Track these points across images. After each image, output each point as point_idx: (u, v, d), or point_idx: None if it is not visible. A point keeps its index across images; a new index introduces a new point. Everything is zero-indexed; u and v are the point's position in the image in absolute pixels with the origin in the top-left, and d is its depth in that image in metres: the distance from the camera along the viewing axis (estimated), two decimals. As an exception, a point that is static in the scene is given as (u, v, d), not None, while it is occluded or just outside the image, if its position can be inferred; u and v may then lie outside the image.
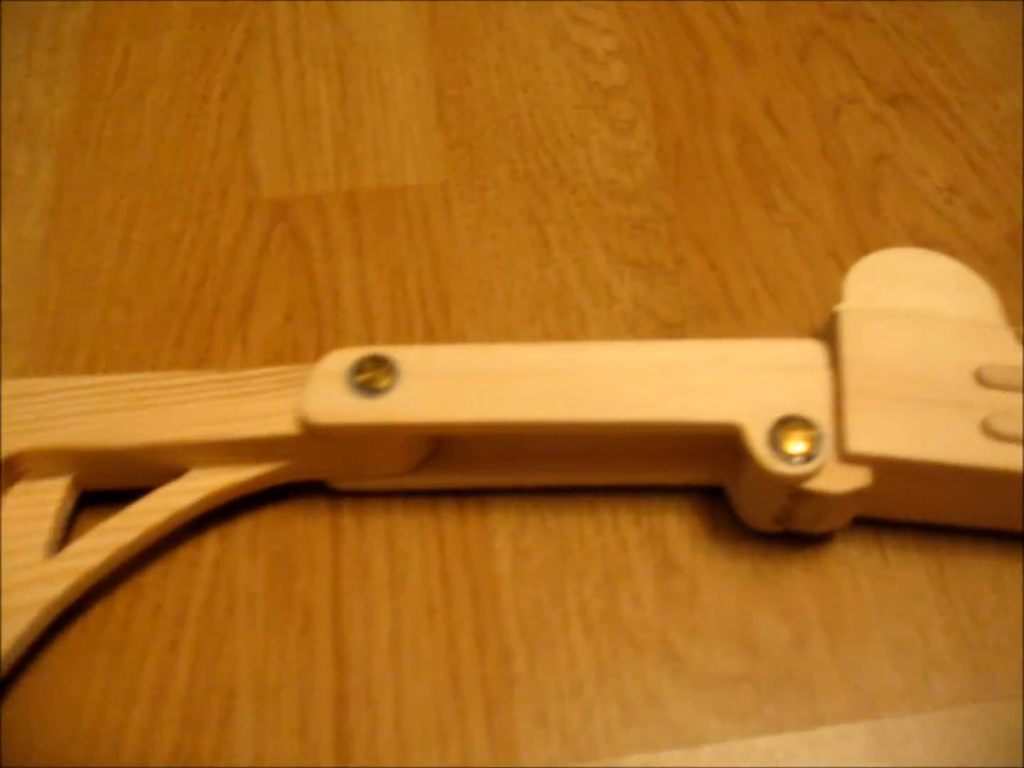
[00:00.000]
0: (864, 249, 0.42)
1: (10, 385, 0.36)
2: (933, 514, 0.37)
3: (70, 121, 0.48)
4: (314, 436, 0.35)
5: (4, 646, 0.32)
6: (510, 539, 0.36)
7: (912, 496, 0.36)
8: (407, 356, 0.35)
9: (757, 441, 0.34)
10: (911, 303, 0.37)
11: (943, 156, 0.46)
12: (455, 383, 0.35)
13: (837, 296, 0.40)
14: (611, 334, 0.41)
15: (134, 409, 0.36)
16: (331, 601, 0.35)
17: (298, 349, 0.40)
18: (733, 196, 0.44)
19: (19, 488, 0.36)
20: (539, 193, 0.45)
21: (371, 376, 0.35)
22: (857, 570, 0.36)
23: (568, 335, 0.41)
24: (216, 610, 0.35)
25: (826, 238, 0.43)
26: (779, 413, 0.34)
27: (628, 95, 0.48)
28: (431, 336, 0.41)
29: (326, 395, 0.35)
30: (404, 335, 0.41)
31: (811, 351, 0.36)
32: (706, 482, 0.37)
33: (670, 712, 0.33)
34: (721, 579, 0.36)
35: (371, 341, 0.41)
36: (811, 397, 0.35)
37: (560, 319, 0.41)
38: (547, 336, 0.41)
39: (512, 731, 0.33)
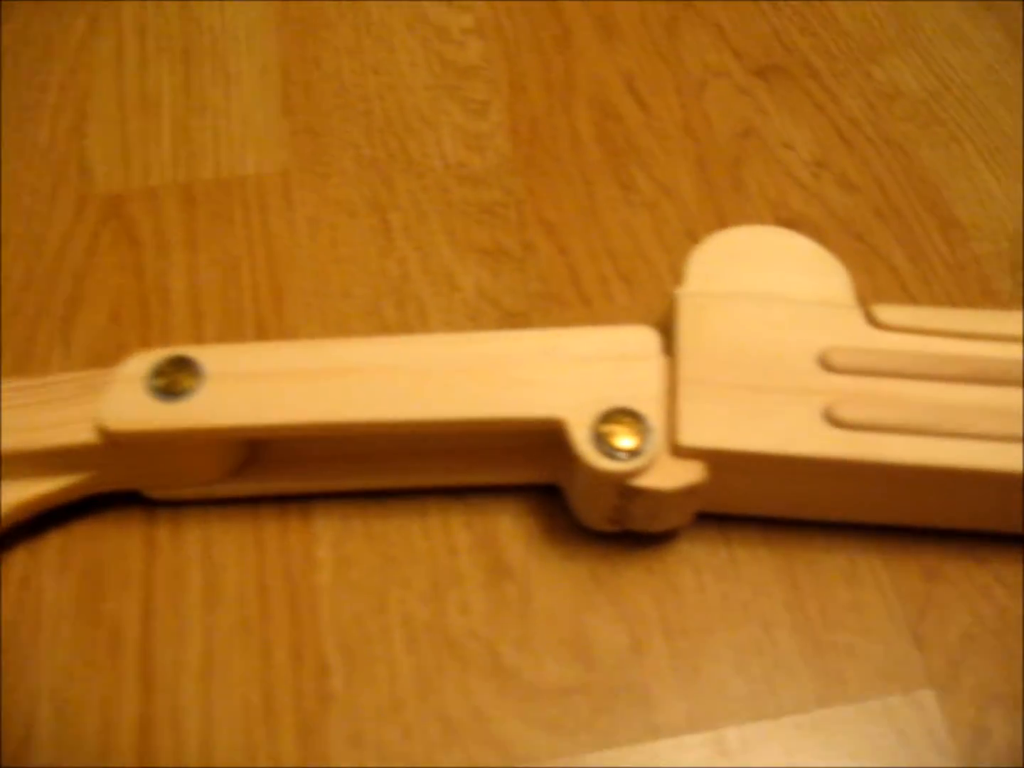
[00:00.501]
0: (725, 228, 0.40)
1: None
2: (781, 508, 0.34)
3: None
4: (114, 444, 0.32)
5: None
6: (333, 547, 0.34)
7: (757, 490, 0.34)
8: (211, 356, 0.33)
9: (580, 437, 0.32)
10: (757, 284, 0.35)
11: (812, 129, 0.43)
12: (263, 384, 0.33)
13: (692, 279, 0.38)
14: (451, 325, 0.38)
15: (-76, 422, 0.33)
16: (141, 619, 0.33)
17: (122, 352, 0.37)
18: (589, 177, 0.42)
19: None
20: (384, 179, 0.42)
21: (172, 379, 0.33)
22: (702, 569, 0.34)
23: (406, 327, 0.39)
24: (20, 631, 0.33)
25: (685, 218, 0.41)
26: (604, 406, 0.32)
27: (484, 75, 0.46)
28: (262, 333, 0.38)
29: (124, 400, 0.32)
30: (234, 333, 0.39)
31: (645, 338, 0.34)
32: (542, 481, 0.35)
33: (495, 729, 0.31)
34: (556, 584, 0.34)
35: (198, 340, 0.38)
36: (642, 388, 0.33)
37: (398, 311, 0.39)
38: (384, 330, 0.38)
39: (325, 753, 0.31)
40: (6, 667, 0.32)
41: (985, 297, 0.39)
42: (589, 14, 0.47)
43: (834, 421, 0.32)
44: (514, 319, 0.39)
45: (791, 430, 0.32)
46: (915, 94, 0.45)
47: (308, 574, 0.34)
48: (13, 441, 0.33)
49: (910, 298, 0.39)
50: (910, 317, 0.34)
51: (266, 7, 0.48)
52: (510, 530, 0.35)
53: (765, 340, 0.33)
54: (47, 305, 0.39)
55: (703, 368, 0.33)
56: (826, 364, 0.33)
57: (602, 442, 0.31)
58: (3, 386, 0.34)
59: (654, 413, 0.32)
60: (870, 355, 0.33)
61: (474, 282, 0.40)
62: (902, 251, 0.40)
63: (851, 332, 0.34)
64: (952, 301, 0.39)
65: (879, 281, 0.39)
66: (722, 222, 0.41)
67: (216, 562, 0.34)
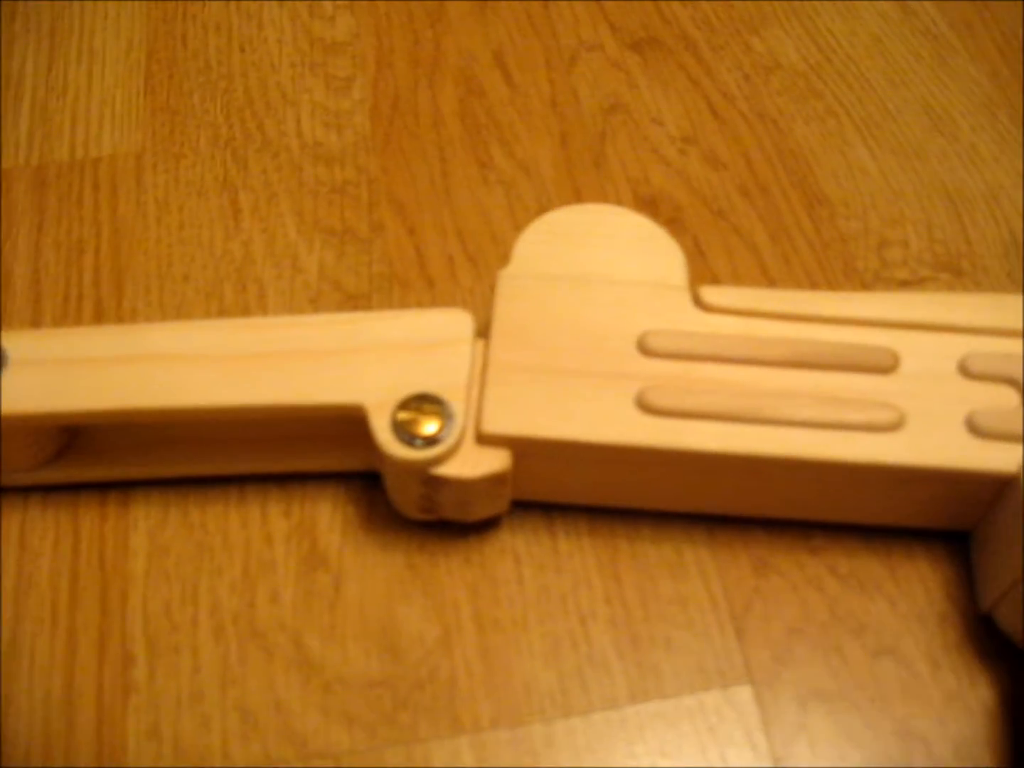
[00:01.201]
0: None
1: None
2: (601, 497, 0.33)
3: None
4: (-87, 432, 0.32)
5: None
6: (148, 535, 0.34)
7: (571, 478, 0.33)
8: (17, 343, 0.32)
9: (380, 424, 0.31)
10: (584, 266, 0.34)
11: (683, 104, 0.42)
12: (70, 370, 0.32)
13: (542, 259, 0.37)
14: (291, 308, 0.38)
15: None
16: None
17: (-45, 337, 0.37)
18: (446, 155, 0.41)
19: None
20: (238, 159, 0.41)
21: (-27, 367, 0.32)
22: (522, 560, 0.33)
23: (245, 310, 0.38)
24: None
25: (540, 196, 0.40)
26: (406, 392, 0.31)
27: (351, 51, 0.45)
28: (99, 317, 0.38)
29: (-79, 387, 0.32)
30: (72, 317, 0.38)
31: (457, 322, 0.32)
32: (362, 469, 0.34)
33: (295, 722, 0.30)
34: (369, 574, 0.33)
35: (35, 324, 0.38)
36: (449, 374, 0.31)
37: (238, 294, 0.38)
38: (222, 312, 0.38)
39: (123, 744, 0.30)
40: None
41: (847, 276, 0.38)
42: (464, -15, 0.46)
43: (644, 407, 0.31)
44: (355, 301, 0.38)
45: (599, 416, 0.31)
46: (794, 66, 0.43)
47: (122, 562, 0.33)
48: None
49: (768, 279, 0.37)
50: (737, 298, 0.32)
51: (135, -19, 0.48)
52: (328, 519, 0.34)
53: (584, 323, 0.32)
54: None
55: (515, 352, 0.32)
56: (644, 348, 0.32)
57: (402, 430, 0.30)
58: None
59: (458, 399, 0.31)
60: (688, 338, 0.32)
61: (317, 263, 0.39)
62: (764, 229, 0.39)
63: (674, 314, 0.32)
64: (812, 281, 0.37)
65: (737, 261, 0.38)
66: (579, 199, 0.39)
67: (31, 549, 0.33)
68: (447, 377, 0.31)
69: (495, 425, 0.31)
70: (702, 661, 0.31)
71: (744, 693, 0.31)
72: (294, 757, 0.30)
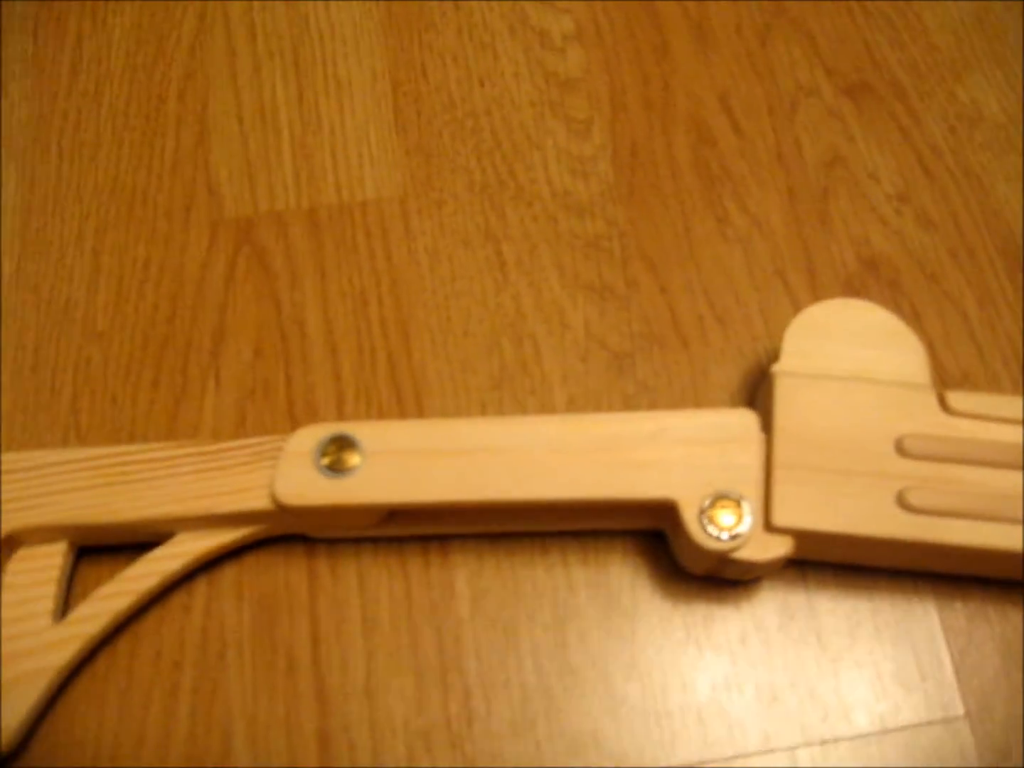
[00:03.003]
0: (810, 267, 0.44)
1: (9, 459, 0.39)
2: (854, 559, 0.40)
3: (29, 126, 0.48)
4: (287, 512, 0.38)
5: (25, 710, 0.37)
6: (468, 582, 0.40)
7: (836, 551, 0.39)
8: (369, 434, 0.38)
9: (690, 517, 0.37)
10: (844, 363, 0.39)
11: (896, 157, 0.46)
12: (414, 462, 0.38)
13: (781, 322, 0.42)
14: (564, 364, 0.43)
15: (122, 483, 0.39)
16: (311, 646, 0.39)
17: (268, 388, 0.43)
18: (686, 208, 0.45)
19: (20, 554, 0.39)
20: (495, 207, 0.46)
21: (336, 457, 0.38)
22: (782, 610, 0.40)
23: (523, 366, 0.43)
24: (209, 655, 0.39)
25: (774, 255, 0.44)
26: (712, 489, 0.37)
27: (585, 88, 0.48)
28: (393, 370, 0.43)
29: (295, 477, 0.38)
30: (368, 370, 0.43)
31: (745, 421, 0.38)
32: (648, 528, 0.41)
33: (611, 746, 0.39)
34: (659, 618, 0.40)
35: (337, 377, 0.43)
36: (742, 471, 0.38)
37: (515, 349, 0.43)
38: (503, 368, 0.43)
39: (473, 761, 0.38)
40: (201, 687, 0.39)
41: (1044, 343, 0.43)
42: (686, 18, 0.49)
43: (905, 505, 0.37)
44: (620, 360, 0.43)
45: (868, 513, 0.37)
46: (995, 117, 0.47)
47: (449, 606, 0.40)
48: (197, 507, 0.38)
49: (976, 345, 0.43)
50: (976, 404, 0.38)
51: (370, 6, 0.49)
52: (619, 568, 0.40)
53: (849, 424, 0.38)
54: (195, 337, 0.44)
55: (795, 453, 0.38)
56: (901, 450, 0.38)
57: (707, 521, 0.37)
58: (181, 451, 0.39)
59: (753, 495, 0.37)
60: (940, 443, 0.38)
61: (583, 320, 0.44)
62: (972, 294, 0.44)
63: (925, 418, 0.38)
64: (1014, 347, 0.43)
65: (948, 325, 0.43)
66: (809, 260, 0.44)
67: (370, 594, 0.40)
68: (740, 473, 0.38)
69: (783, 520, 0.37)
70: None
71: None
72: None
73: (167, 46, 0.49)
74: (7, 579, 0.39)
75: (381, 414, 0.42)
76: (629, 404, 0.42)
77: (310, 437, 0.38)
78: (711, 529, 0.37)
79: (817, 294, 0.44)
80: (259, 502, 0.38)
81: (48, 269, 0.45)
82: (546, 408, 0.42)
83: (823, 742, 0.38)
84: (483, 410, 0.42)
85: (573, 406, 0.42)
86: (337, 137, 0.47)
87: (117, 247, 0.45)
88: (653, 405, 0.42)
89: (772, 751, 0.38)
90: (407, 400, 0.43)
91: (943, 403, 0.39)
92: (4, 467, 0.39)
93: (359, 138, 0.47)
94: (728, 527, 0.37)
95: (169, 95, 0.48)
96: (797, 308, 0.43)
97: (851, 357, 0.39)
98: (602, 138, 0.47)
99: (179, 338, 0.44)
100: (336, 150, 0.47)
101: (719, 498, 0.37)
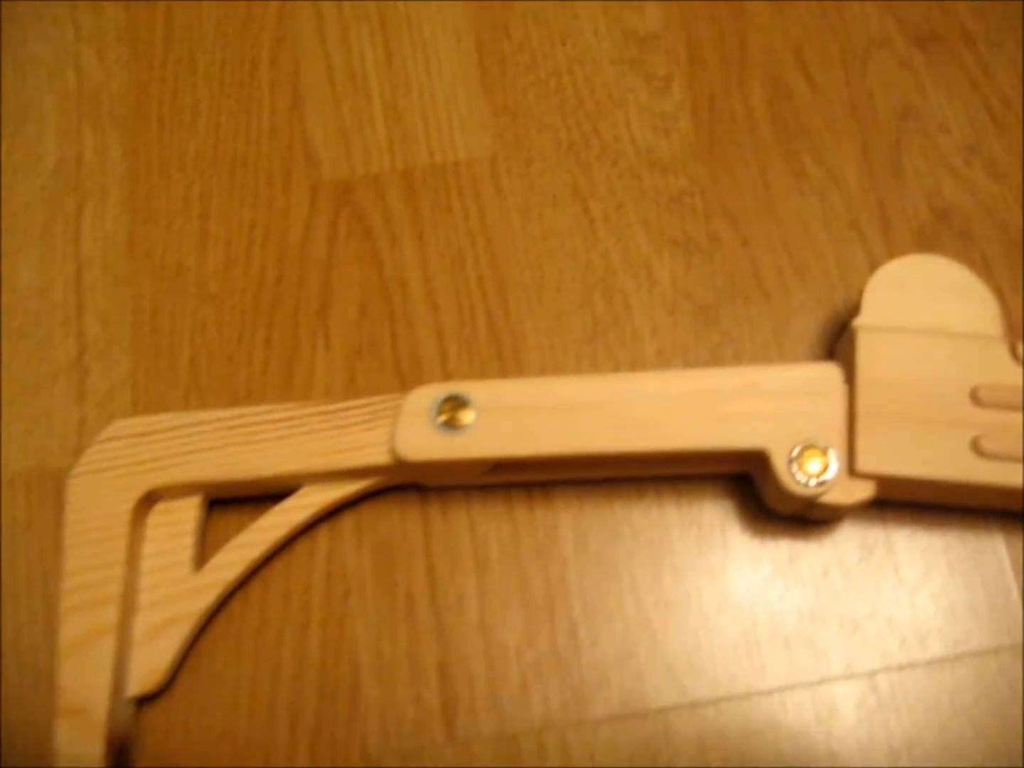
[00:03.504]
0: (884, 219, 0.46)
1: (146, 421, 0.42)
2: (930, 499, 0.43)
3: (129, 95, 0.49)
4: (406, 466, 0.41)
5: (173, 651, 0.41)
6: (571, 524, 0.44)
7: (912, 492, 0.42)
8: (481, 393, 0.41)
9: (780, 465, 0.40)
10: (919, 316, 0.41)
11: (966, 108, 0.48)
12: (523, 419, 0.41)
13: (857, 273, 0.45)
14: (652, 318, 0.45)
15: (252, 442, 0.42)
16: (428, 586, 0.43)
17: (375, 346, 0.45)
18: (764, 162, 0.47)
19: (158, 509, 0.42)
20: (582, 165, 0.48)
21: (451, 415, 0.41)
22: (862, 546, 0.43)
23: (615, 319, 0.45)
24: (334, 596, 0.43)
25: (849, 207, 0.46)
26: (800, 439, 0.40)
27: (663, 45, 0.49)
28: (492, 326, 0.46)
29: (414, 434, 0.41)
30: (468, 327, 0.46)
31: (829, 374, 0.41)
32: (736, 472, 0.44)
33: (709, 668, 0.42)
34: (747, 554, 0.43)
35: (439, 334, 0.46)
36: (828, 422, 0.40)
37: (607, 304, 0.46)
38: (596, 322, 0.45)
39: (581, 696, 0.42)
40: (329, 625, 0.43)
41: (1108, 289, 0.46)
42: (759, -32, 0.50)
43: (979, 451, 0.40)
44: (706, 312, 0.45)
45: (944, 459, 0.40)
46: (1063, 65, 0.48)
47: (554, 547, 0.43)
48: (322, 463, 0.42)
49: (1044, 293, 0.45)
50: (1050, 354, 0.41)
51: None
52: (710, 509, 0.44)
53: (926, 375, 0.41)
54: (302, 298, 0.46)
55: (876, 403, 0.40)
56: (975, 399, 0.40)
57: (796, 469, 0.40)
58: (305, 411, 0.42)
59: (838, 444, 0.40)
60: (1012, 392, 0.40)
61: (669, 275, 0.46)
62: (1040, 242, 0.46)
63: (997, 369, 0.41)
64: (1081, 295, 0.45)
65: (1017, 274, 0.45)
66: (883, 212, 0.46)
67: (480, 537, 0.44)
68: (826, 423, 0.40)
69: (866, 466, 0.40)
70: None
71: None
72: (707, 694, 0.42)
73: (256, 11, 0.50)
74: (149, 532, 0.42)
75: (482, 368, 0.45)
76: (715, 355, 0.45)
77: (426, 396, 0.41)
78: (799, 476, 0.40)
79: (891, 245, 0.46)
80: (380, 457, 0.41)
81: (158, 235, 0.48)
82: (637, 360, 0.45)
83: (900, 667, 0.42)
84: (578, 363, 0.45)
85: (662, 357, 0.45)
86: (426, 99, 0.49)
87: (222, 212, 0.48)
88: (737, 355, 0.45)
89: (853, 676, 0.42)
90: (506, 354, 0.45)
91: (1014, 353, 0.41)
92: (142, 429, 0.42)
93: (447, 99, 0.49)
94: (815, 474, 0.40)
95: (262, 60, 0.50)
96: (872, 259, 0.46)
97: (927, 311, 0.42)
98: (681, 94, 0.49)
99: (287, 299, 0.46)
100: (426, 112, 0.49)
101: (807, 447, 0.40)
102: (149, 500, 0.42)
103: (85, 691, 0.40)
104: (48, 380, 0.46)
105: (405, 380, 0.45)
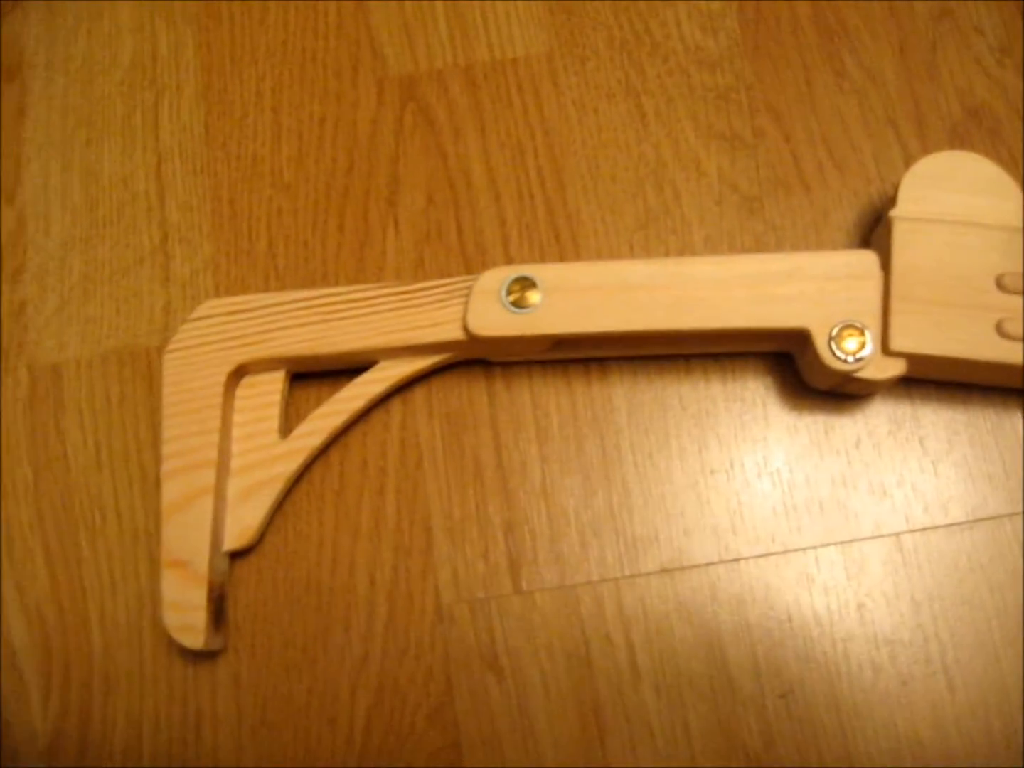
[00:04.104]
0: (919, 117, 0.49)
1: (234, 301, 0.46)
2: (953, 377, 0.47)
3: (200, -10, 0.52)
4: (476, 341, 0.45)
5: (263, 511, 0.45)
6: (625, 397, 0.47)
7: (940, 371, 0.46)
8: (547, 275, 0.44)
9: (821, 343, 0.44)
10: (951, 208, 0.45)
11: (1000, 11, 0.50)
12: (586, 299, 0.44)
13: (892, 167, 0.48)
14: (700, 207, 0.49)
15: (333, 320, 0.45)
16: (494, 453, 0.47)
17: (441, 232, 0.49)
18: (807, 62, 0.50)
19: (246, 382, 0.46)
20: (634, 63, 0.50)
21: (520, 295, 0.44)
22: (892, 421, 0.47)
23: (665, 208, 0.49)
24: (408, 462, 0.47)
25: (887, 105, 0.49)
26: (839, 319, 0.44)
27: (712, -55, 0.51)
28: (550, 213, 0.49)
29: (484, 311, 0.44)
30: (528, 214, 0.49)
31: (867, 261, 0.44)
32: (778, 350, 0.47)
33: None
34: (787, 425, 0.47)
35: (502, 221, 0.49)
36: (865, 304, 0.44)
37: (657, 194, 0.49)
38: (647, 211, 0.49)
39: (634, 545, 0.46)
40: (403, 488, 0.47)
41: (1125, 180, 0.49)
42: None
43: (1003, 333, 0.43)
44: (751, 203, 0.49)
45: (971, 339, 0.43)
46: (1092, -32, 0.51)
47: (609, 417, 0.47)
48: (399, 339, 0.45)
49: (1066, 184, 0.49)
50: (1071, 243, 0.44)
51: None
52: (752, 384, 0.47)
53: (957, 263, 0.44)
54: (372, 187, 0.49)
55: (910, 288, 0.44)
56: (1001, 286, 0.44)
57: (835, 347, 0.43)
58: (383, 291, 0.45)
59: (874, 325, 0.44)
60: (1036, 278, 0.44)
61: (716, 167, 0.49)
62: (1065, 139, 0.49)
63: (1022, 258, 0.44)
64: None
65: (1042, 161, 0.49)
66: (918, 110, 0.49)
67: (541, 408, 0.47)
68: (863, 306, 0.44)
69: (900, 345, 0.43)
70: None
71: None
72: (748, 551, 0.46)
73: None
74: (238, 404, 0.46)
75: (542, 252, 0.48)
76: (759, 242, 0.48)
77: (496, 278, 0.44)
78: (839, 353, 0.43)
79: (925, 142, 0.49)
80: (453, 333, 0.45)
81: (233, 127, 0.50)
82: (686, 246, 0.48)
83: (924, 529, 0.46)
84: (631, 248, 0.48)
85: (709, 244, 0.48)
86: (486, -3, 0.51)
87: (293, 105, 0.50)
88: (779, 243, 0.48)
89: (882, 536, 0.46)
90: (564, 240, 0.49)
91: (1038, 242, 0.44)
92: (231, 308, 0.46)
93: (506, -2, 0.51)
94: (853, 351, 0.43)
95: (325, -42, 0.52)
96: (907, 155, 0.49)
97: (958, 203, 0.45)
98: (729, -6, 0.51)
99: (358, 187, 0.49)
100: (485, 9, 0.51)
101: (845, 327, 0.44)
102: (238, 374, 0.46)
103: (187, 546, 0.44)
104: (135, 264, 0.49)
105: (470, 264, 0.48)
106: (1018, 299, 0.44)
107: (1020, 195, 0.45)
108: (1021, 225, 0.44)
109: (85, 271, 0.49)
